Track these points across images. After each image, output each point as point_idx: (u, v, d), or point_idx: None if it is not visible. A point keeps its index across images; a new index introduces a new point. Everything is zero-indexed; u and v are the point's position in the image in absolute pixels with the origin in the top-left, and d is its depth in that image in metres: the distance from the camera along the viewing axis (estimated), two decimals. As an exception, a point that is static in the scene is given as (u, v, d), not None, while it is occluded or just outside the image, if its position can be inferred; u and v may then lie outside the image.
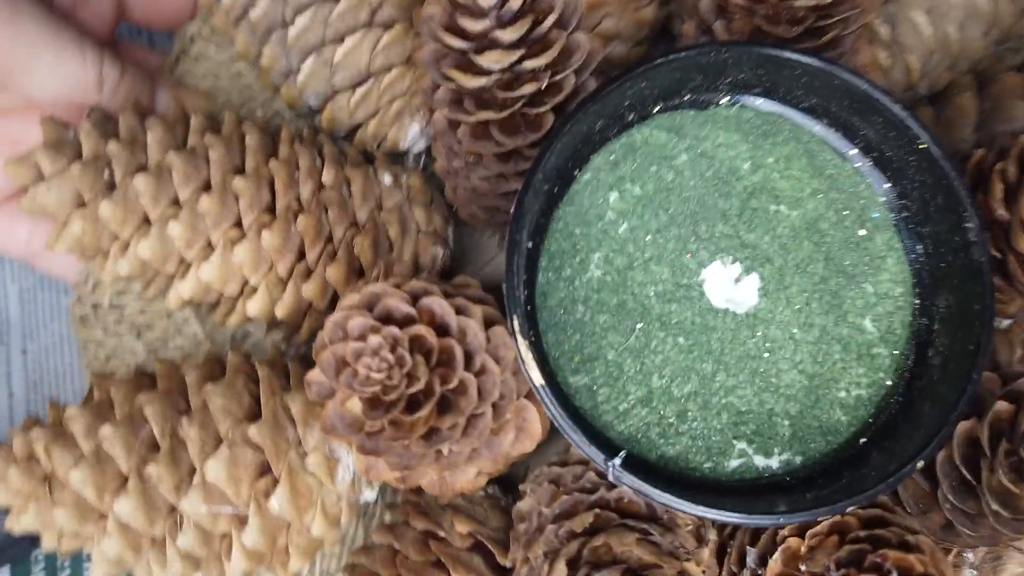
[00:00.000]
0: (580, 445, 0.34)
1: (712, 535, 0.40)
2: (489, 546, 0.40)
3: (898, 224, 0.40)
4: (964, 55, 0.47)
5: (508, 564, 0.38)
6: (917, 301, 0.39)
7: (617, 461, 0.34)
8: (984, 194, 0.38)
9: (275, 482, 0.38)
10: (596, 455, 0.34)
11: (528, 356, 0.34)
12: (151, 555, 0.39)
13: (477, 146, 0.39)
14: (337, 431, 0.33)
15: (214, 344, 0.48)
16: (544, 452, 0.45)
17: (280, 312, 0.42)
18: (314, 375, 0.33)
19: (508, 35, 0.35)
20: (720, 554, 0.40)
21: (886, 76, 0.48)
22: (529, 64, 0.36)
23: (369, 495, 0.42)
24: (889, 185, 0.40)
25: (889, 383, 0.39)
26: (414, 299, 0.33)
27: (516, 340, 0.34)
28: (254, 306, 0.42)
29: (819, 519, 0.34)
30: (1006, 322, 0.44)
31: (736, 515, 0.33)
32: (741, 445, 0.38)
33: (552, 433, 0.40)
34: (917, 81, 0.48)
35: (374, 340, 0.30)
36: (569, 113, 0.37)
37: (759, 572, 0.36)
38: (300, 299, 0.42)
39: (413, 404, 0.32)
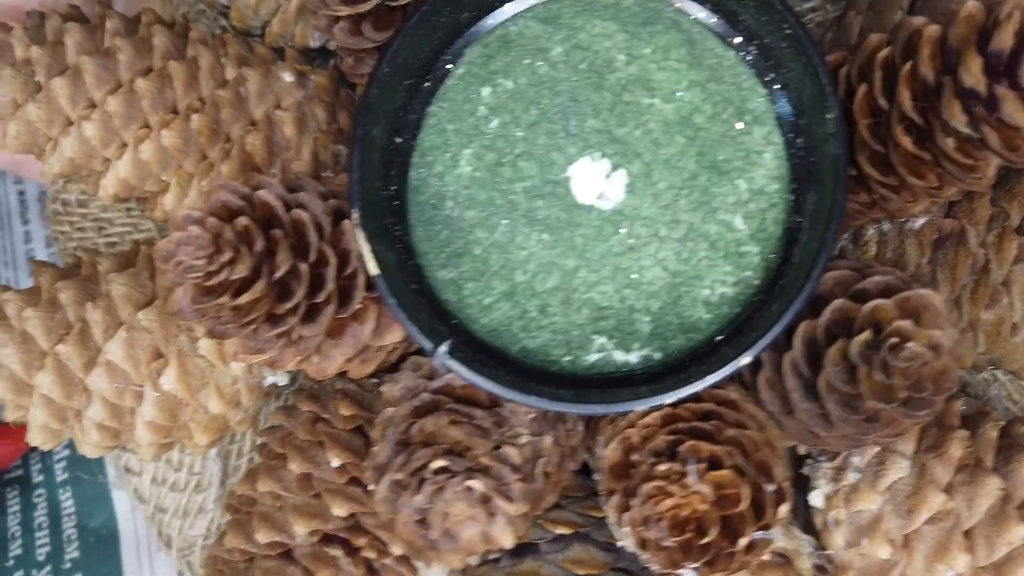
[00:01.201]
0: (411, 332, 0.35)
1: (580, 427, 0.41)
2: (368, 429, 0.42)
3: (779, 117, 0.38)
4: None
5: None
6: (792, 197, 0.38)
7: (443, 348, 0.35)
8: (868, 84, 0.36)
9: (166, 363, 0.41)
10: (424, 342, 0.35)
11: (365, 248, 0.35)
12: (75, 425, 0.44)
13: (353, 42, 0.40)
14: (185, 315, 0.35)
15: (147, 247, 0.52)
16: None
17: (188, 205, 0.45)
18: (160, 265, 0.36)
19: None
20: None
21: (822, -45, 0.44)
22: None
23: (277, 379, 0.45)
24: (772, 75, 0.38)
25: (756, 282, 0.38)
26: (253, 191, 0.35)
27: (355, 232, 0.36)
28: (168, 201, 0.45)
29: (646, 410, 0.34)
30: (919, 222, 0.41)
31: (543, 401, 0.33)
32: (601, 340, 0.38)
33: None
34: (857, -41, 0.44)
35: (194, 230, 0.32)
36: (415, 5, 0.36)
37: (604, 471, 0.36)
38: (203, 195, 0.44)
39: (242, 291, 0.34)
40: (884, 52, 0.35)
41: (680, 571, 0.33)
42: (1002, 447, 0.39)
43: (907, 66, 0.34)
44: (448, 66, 0.40)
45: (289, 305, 0.35)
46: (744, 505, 0.31)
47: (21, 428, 0.47)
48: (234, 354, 0.38)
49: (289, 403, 0.46)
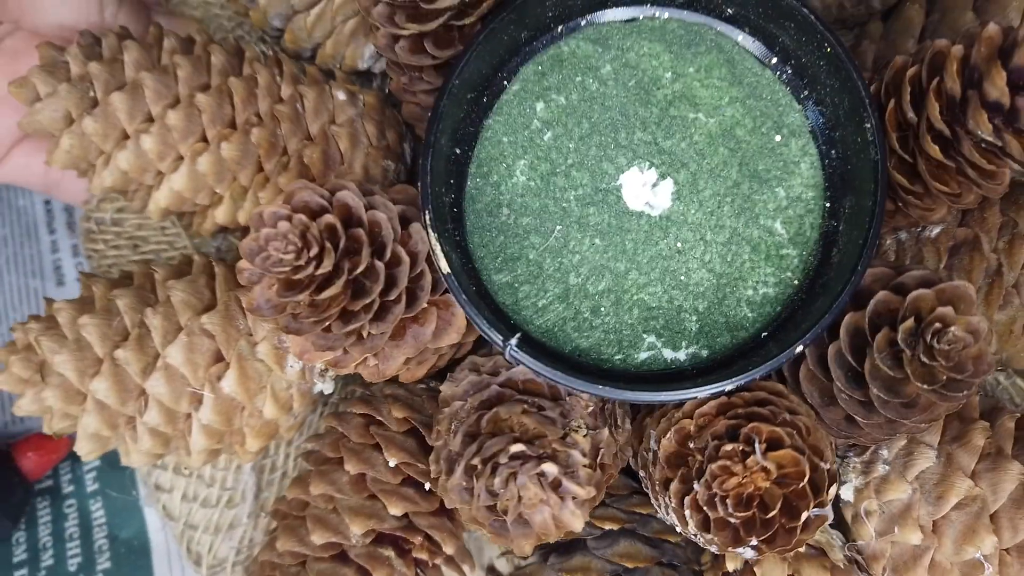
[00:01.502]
0: (481, 326, 0.37)
1: (627, 424, 0.43)
2: (422, 430, 0.43)
3: (814, 130, 0.41)
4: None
5: (432, 444, 0.42)
6: (827, 204, 0.41)
7: (513, 341, 0.37)
8: (897, 99, 0.39)
9: (227, 367, 0.42)
10: (495, 336, 0.37)
11: (437, 247, 0.37)
12: (126, 432, 0.44)
13: (415, 60, 0.42)
14: (262, 311, 0.36)
15: (201, 256, 0.53)
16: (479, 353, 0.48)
17: (242, 219, 0.46)
18: (242, 263, 0.37)
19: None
20: (639, 442, 0.43)
21: (835, -11, 0.48)
22: (448, -23, 0.39)
23: (324, 386, 0.46)
24: (807, 92, 0.41)
25: (796, 282, 0.40)
26: (331, 194, 0.37)
27: (428, 233, 0.38)
28: (221, 214, 0.46)
29: (701, 397, 0.36)
30: (936, 230, 0.44)
31: (607, 388, 0.35)
32: (651, 339, 0.40)
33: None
34: (868, -6, 0.48)
35: (283, 226, 0.34)
36: (484, 24, 0.39)
37: (657, 451, 0.38)
38: (259, 206, 0.46)
39: (325, 286, 0.35)
40: (911, 70, 0.38)
41: (739, 549, 0.35)
42: (1019, 437, 0.42)
43: (935, 82, 0.37)
44: (504, 82, 0.42)
45: (364, 302, 0.36)
46: (804, 482, 0.34)
47: (52, 439, 0.47)
48: (301, 352, 0.40)
49: (340, 410, 0.47)
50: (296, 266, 0.34)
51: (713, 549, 0.36)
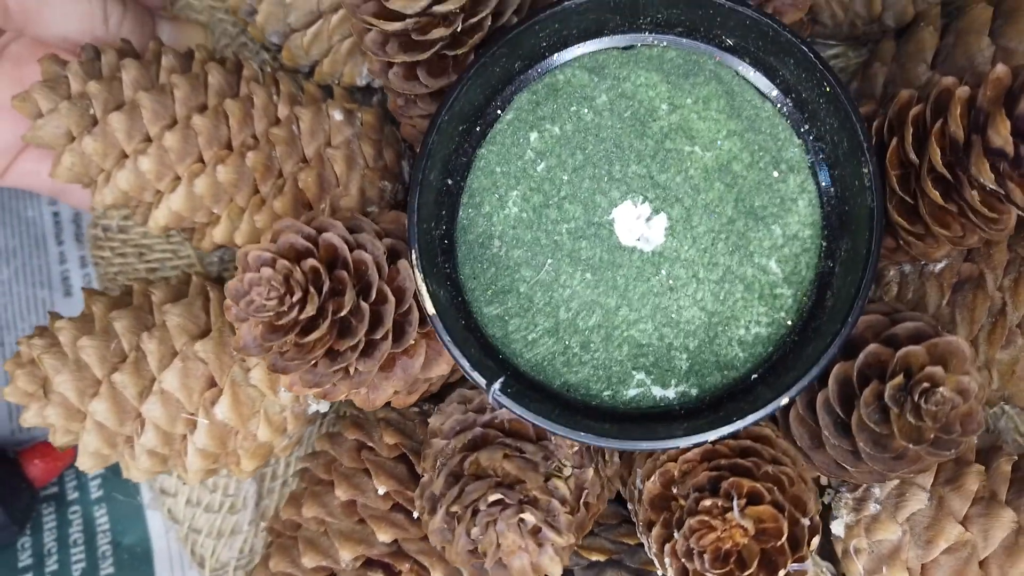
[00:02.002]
0: (465, 368, 0.37)
1: (616, 458, 0.43)
2: (411, 457, 0.44)
3: (813, 167, 0.40)
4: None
5: (421, 474, 0.42)
6: (824, 243, 0.40)
7: (497, 385, 0.37)
8: (900, 138, 0.38)
9: (220, 392, 0.43)
10: (479, 379, 0.37)
11: (422, 287, 0.37)
12: (125, 451, 0.45)
13: (407, 87, 0.42)
14: (250, 350, 0.37)
15: (204, 266, 0.53)
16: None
17: (239, 239, 0.46)
18: (226, 304, 0.37)
19: (414, -21, 0.36)
20: (630, 474, 0.43)
21: (846, 8, 0.46)
22: (440, 8, 0.38)
23: (319, 406, 0.47)
24: (807, 127, 0.40)
25: (789, 322, 0.40)
26: (318, 233, 0.36)
27: (414, 272, 0.37)
28: (218, 233, 0.47)
29: (683, 447, 0.36)
30: (939, 266, 0.43)
31: (590, 436, 0.35)
32: (640, 376, 0.40)
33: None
34: (880, 13, 0.46)
35: (266, 272, 0.34)
36: (475, 58, 0.38)
37: (641, 491, 0.38)
38: (255, 228, 0.46)
39: (309, 328, 0.35)
40: (915, 109, 0.37)
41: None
42: (1015, 480, 0.41)
43: (938, 124, 0.36)
44: (498, 111, 0.42)
45: (350, 343, 0.36)
46: (783, 540, 0.33)
47: (59, 449, 0.48)
48: (290, 385, 0.40)
49: (333, 430, 0.48)
50: (279, 311, 0.34)
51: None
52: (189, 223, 0.48)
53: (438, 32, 0.38)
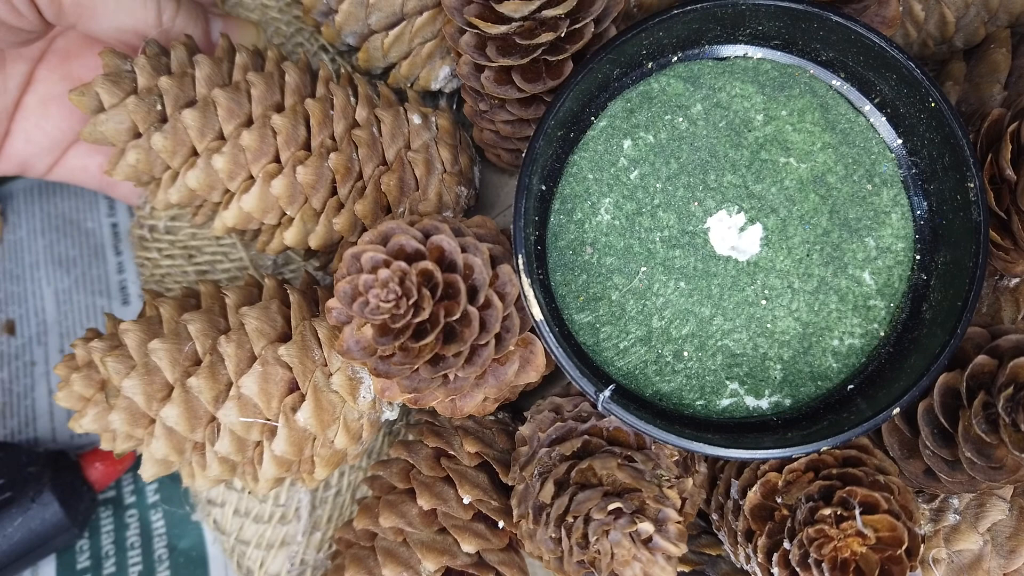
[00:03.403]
0: (573, 376, 0.37)
1: (703, 467, 0.42)
2: (494, 465, 0.43)
3: (906, 180, 0.41)
4: (1003, 9, 0.47)
5: (509, 483, 0.41)
6: (917, 256, 0.40)
7: (607, 393, 0.36)
8: (995, 154, 0.39)
9: (302, 398, 0.41)
10: (588, 386, 0.37)
11: (530, 293, 0.37)
12: (193, 458, 0.43)
13: (500, 91, 0.41)
14: (352, 354, 0.36)
15: (257, 269, 0.52)
16: (552, 387, 0.48)
17: (313, 243, 0.45)
18: (333, 303, 0.36)
19: (526, -15, 0.36)
20: (711, 485, 0.43)
21: (920, 28, 0.47)
22: (548, 12, 0.38)
23: (391, 414, 0.46)
24: (900, 141, 0.41)
25: (882, 334, 0.40)
26: (425, 236, 0.36)
27: (520, 278, 0.37)
28: (290, 236, 0.46)
29: (794, 457, 0.36)
30: (1014, 280, 0.44)
31: (705, 446, 0.35)
32: (733, 386, 0.40)
33: (560, 370, 0.43)
34: (952, 34, 0.47)
35: (384, 273, 0.33)
36: (583, 63, 0.38)
37: (740, 502, 0.38)
38: (332, 231, 0.45)
39: (419, 332, 0.35)
40: (1012, 126, 0.38)
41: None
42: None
43: (1039, 142, 0.37)
44: (591, 118, 0.42)
45: (457, 348, 0.36)
46: (903, 547, 0.34)
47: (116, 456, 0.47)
48: (383, 391, 0.39)
49: (408, 438, 0.47)
50: (394, 314, 0.34)
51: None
52: (256, 225, 0.47)
53: (545, 36, 0.38)
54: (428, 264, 0.34)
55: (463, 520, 0.42)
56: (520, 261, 0.37)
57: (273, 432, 0.42)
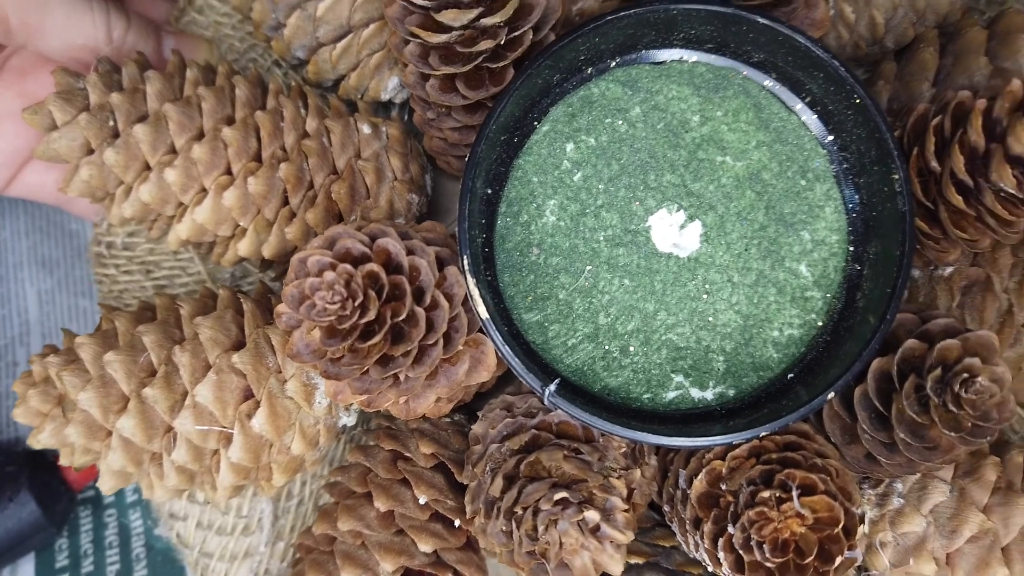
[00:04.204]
0: (519, 372, 0.38)
1: (653, 460, 0.43)
2: (449, 466, 0.44)
3: (837, 175, 0.42)
4: (930, 10, 0.48)
5: (464, 482, 0.42)
6: (851, 248, 0.42)
7: (552, 387, 0.37)
8: (920, 148, 0.40)
9: (257, 405, 0.42)
10: (534, 382, 0.38)
11: (475, 292, 0.38)
12: (151, 469, 0.44)
13: (445, 99, 0.42)
14: (302, 357, 0.37)
15: (215, 283, 0.53)
16: (507, 387, 0.49)
17: (267, 252, 0.46)
18: (282, 307, 0.37)
19: (464, -6, 0.37)
20: (662, 477, 0.44)
21: (852, 30, 0.49)
22: (487, 21, 0.39)
23: (348, 420, 0.46)
24: (831, 138, 0.42)
25: (820, 324, 0.41)
26: (372, 240, 0.37)
27: (466, 278, 0.38)
28: (244, 246, 0.46)
29: (736, 443, 0.37)
30: (948, 269, 0.46)
31: (648, 435, 0.36)
32: (679, 378, 0.41)
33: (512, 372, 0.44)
34: (882, 35, 0.49)
35: (329, 276, 0.34)
36: (522, 69, 0.39)
37: (688, 491, 0.39)
38: (284, 241, 0.46)
39: (367, 333, 0.35)
40: (935, 121, 0.40)
41: (773, 591, 0.36)
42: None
43: (958, 134, 0.38)
44: (535, 123, 0.43)
45: (405, 348, 0.37)
46: (839, 528, 0.35)
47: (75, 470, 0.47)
48: (336, 394, 0.40)
49: (365, 443, 0.47)
50: (340, 315, 0.34)
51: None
52: (210, 237, 0.48)
53: (484, 44, 0.39)
54: (374, 266, 0.35)
55: (420, 520, 0.43)
56: (465, 262, 0.38)
57: (229, 440, 0.43)
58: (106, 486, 0.44)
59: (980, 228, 0.40)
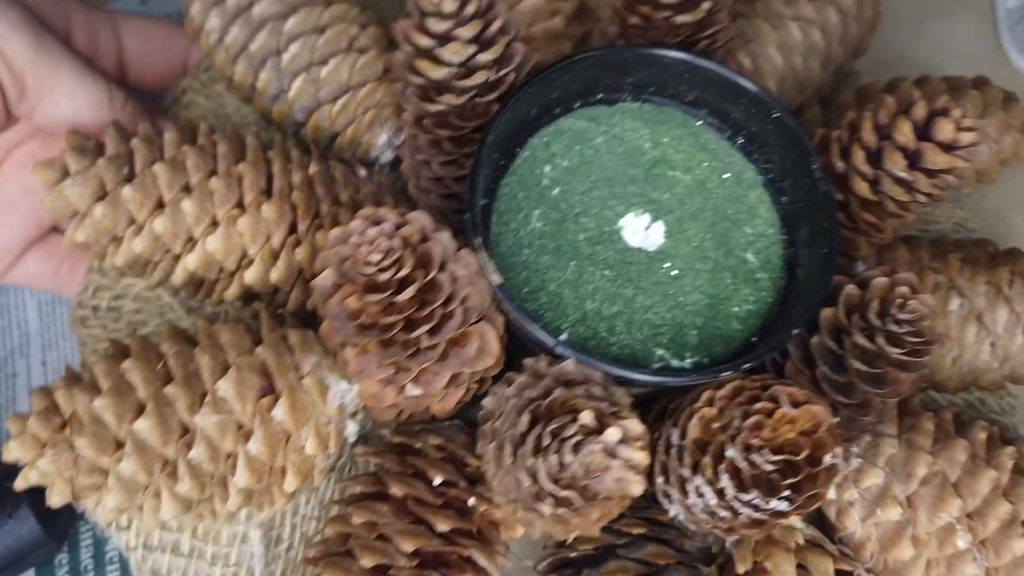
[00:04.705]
0: (530, 328, 0.43)
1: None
2: (458, 452, 0.46)
3: (765, 183, 0.52)
4: (809, 81, 0.61)
5: (478, 459, 0.45)
6: (785, 236, 0.51)
7: (563, 337, 0.42)
8: (826, 155, 0.51)
9: (277, 397, 0.44)
10: (544, 335, 0.43)
11: (486, 261, 0.43)
12: (161, 480, 0.44)
13: (439, 131, 0.50)
14: (336, 321, 0.40)
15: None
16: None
17: (275, 276, 0.50)
18: (319, 279, 0.41)
19: (465, 32, 0.46)
20: (653, 451, 0.48)
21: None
22: (481, 58, 0.47)
23: (352, 428, 0.49)
24: (757, 155, 0.52)
25: (771, 299, 0.49)
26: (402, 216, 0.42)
27: (479, 252, 0.44)
28: (251, 275, 0.50)
29: (721, 380, 0.43)
30: (862, 266, 0.55)
31: (641, 374, 0.42)
32: (660, 352, 0.47)
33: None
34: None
35: (372, 232, 0.39)
36: (509, 96, 0.48)
37: (682, 444, 0.44)
38: (293, 263, 0.50)
39: (402, 288, 0.40)
40: (835, 133, 0.50)
41: (772, 504, 0.40)
42: (956, 423, 0.51)
43: (855, 138, 0.49)
44: (516, 150, 0.51)
45: (429, 310, 0.41)
46: (823, 429, 0.40)
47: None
48: (359, 370, 0.43)
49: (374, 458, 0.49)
50: (382, 267, 0.39)
51: (747, 513, 0.41)
52: (215, 273, 0.51)
53: (480, 77, 0.47)
54: (408, 230, 0.40)
55: (435, 505, 0.45)
56: (479, 240, 0.44)
57: (247, 436, 0.44)
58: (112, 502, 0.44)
59: (882, 215, 0.50)
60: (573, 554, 0.47)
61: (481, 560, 0.45)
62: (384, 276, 0.39)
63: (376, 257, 0.39)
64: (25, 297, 0.65)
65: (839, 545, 0.51)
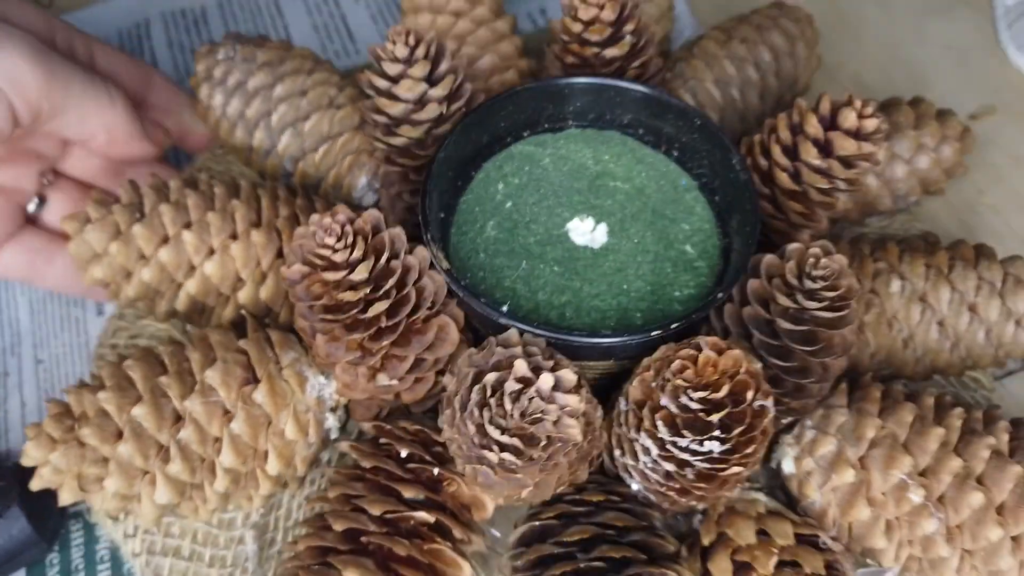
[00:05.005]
0: (475, 303, 0.47)
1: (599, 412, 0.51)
2: (430, 436, 0.50)
3: (700, 187, 0.57)
4: (748, 112, 0.67)
5: (441, 426, 0.48)
6: (719, 228, 0.55)
7: (504, 308, 0.47)
8: (751, 156, 0.56)
9: (258, 382, 0.49)
10: (489, 309, 0.47)
11: (435, 250, 0.49)
12: (156, 464, 0.49)
13: (405, 160, 0.57)
14: (304, 306, 0.46)
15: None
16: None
17: (264, 294, 0.56)
18: (289, 272, 0.47)
19: (416, 71, 0.54)
20: (610, 429, 0.51)
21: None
22: (432, 93, 0.55)
23: (332, 423, 0.53)
24: (689, 164, 0.58)
25: (709, 283, 0.53)
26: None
27: (429, 246, 0.49)
28: (243, 295, 0.56)
29: (652, 336, 0.47)
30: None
31: (579, 337, 0.46)
32: (607, 333, 0.51)
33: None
34: (720, 135, 0.67)
35: (327, 221, 0.45)
36: (460, 120, 0.55)
37: (627, 409, 0.47)
38: (280, 283, 0.56)
39: (355, 265, 0.45)
40: (757, 137, 0.56)
41: (707, 446, 0.43)
42: (904, 392, 0.53)
43: (773, 137, 0.54)
44: (472, 172, 0.57)
45: (384, 289, 0.46)
46: (745, 368, 0.43)
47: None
48: (327, 355, 0.48)
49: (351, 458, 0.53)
50: (336, 248, 0.45)
51: (691, 471, 0.44)
52: (213, 298, 0.58)
53: (433, 109, 0.55)
54: (362, 222, 0.47)
55: (405, 477, 0.48)
56: (428, 235, 0.50)
57: (232, 418, 0.49)
58: (108, 505, 0.49)
59: (807, 204, 0.54)
60: (537, 523, 0.49)
61: (453, 529, 0.48)
62: (339, 257, 0.45)
63: (331, 240, 0.45)
64: (16, 295, 0.67)
65: (802, 512, 0.52)
